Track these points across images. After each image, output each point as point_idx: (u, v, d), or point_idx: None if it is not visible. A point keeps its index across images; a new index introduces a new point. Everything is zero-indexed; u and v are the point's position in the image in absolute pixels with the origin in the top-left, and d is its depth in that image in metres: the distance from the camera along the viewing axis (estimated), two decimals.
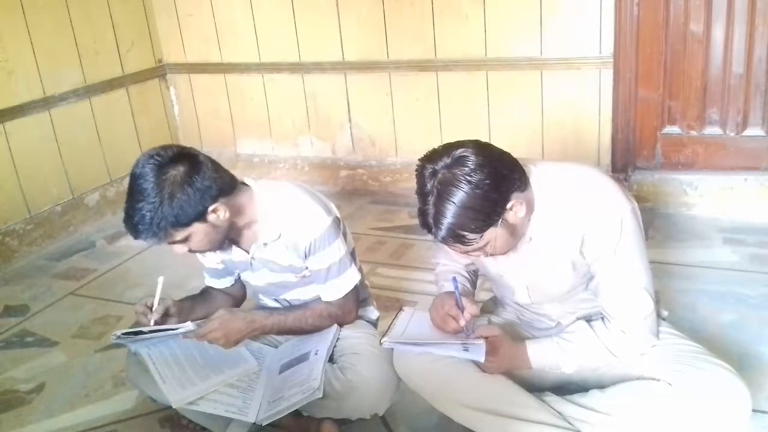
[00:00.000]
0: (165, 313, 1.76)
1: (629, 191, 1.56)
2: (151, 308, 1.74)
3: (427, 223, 1.42)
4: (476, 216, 1.38)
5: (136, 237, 1.60)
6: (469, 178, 1.36)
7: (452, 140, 1.46)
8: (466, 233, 1.39)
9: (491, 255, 1.49)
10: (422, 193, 1.42)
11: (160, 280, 1.75)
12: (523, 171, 1.46)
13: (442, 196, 1.37)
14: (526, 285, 1.64)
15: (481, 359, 1.52)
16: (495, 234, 1.42)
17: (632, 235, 1.48)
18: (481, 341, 1.55)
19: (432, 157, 1.42)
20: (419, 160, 1.45)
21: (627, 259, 1.49)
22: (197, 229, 1.62)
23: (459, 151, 1.39)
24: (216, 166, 1.64)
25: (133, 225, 1.57)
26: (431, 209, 1.39)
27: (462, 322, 1.59)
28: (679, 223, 2.99)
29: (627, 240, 1.47)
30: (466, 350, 1.55)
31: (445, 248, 1.79)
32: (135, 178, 1.57)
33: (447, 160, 1.39)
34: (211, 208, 1.60)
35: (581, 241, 1.49)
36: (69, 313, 2.72)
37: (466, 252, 1.47)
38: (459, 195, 1.36)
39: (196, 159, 1.61)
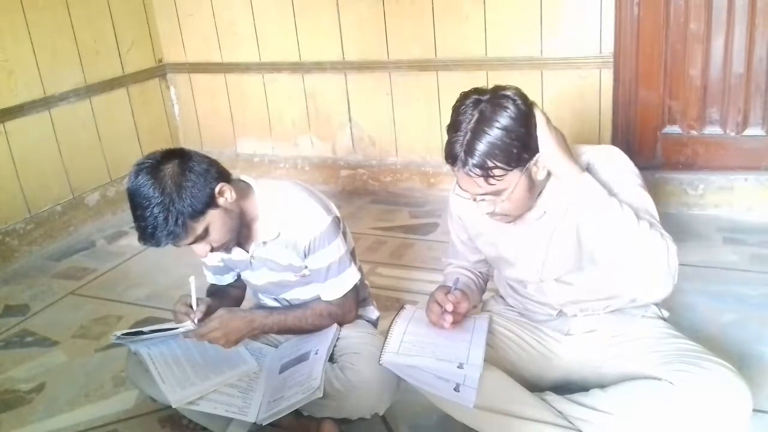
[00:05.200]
0: (207, 311, 1.75)
1: None
2: (191, 307, 1.74)
3: (454, 151, 1.42)
4: (510, 145, 1.39)
5: (157, 245, 1.57)
6: (515, 104, 1.40)
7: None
8: (495, 164, 1.39)
9: (498, 214, 1.49)
10: (457, 120, 1.43)
11: (192, 279, 1.74)
12: None
13: (482, 119, 1.39)
14: (542, 260, 1.64)
15: (470, 404, 1.46)
16: (517, 180, 1.44)
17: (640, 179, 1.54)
18: (481, 351, 1.55)
19: (477, 90, 1.45)
20: (462, 93, 1.46)
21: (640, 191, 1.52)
22: (214, 217, 1.61)
23: (505, 87, 1.44)
24: (207, 157, 1.66)
25: (151, 234, 1.55)
26: (464, 135, 1.40)
27: (449, 307, 1.60)
28: (679, 223, 2.99)
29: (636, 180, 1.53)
30: (457, 390, 1.48)
31: (456, 242, 1.79)
32: (133, 190, 1.56)
33: (492, 95, 1.42)
34: (217, 190, 1.60)
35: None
36: (69, 312, 2.71)
37: (481, 195, 1.46)
38: (501, 118, 1.39)
39: (184, 151, 1.63)
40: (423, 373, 1.53)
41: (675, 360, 1.53)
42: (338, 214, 1.79)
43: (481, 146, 1.38)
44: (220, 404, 1.62)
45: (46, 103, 3.33)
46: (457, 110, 1.44)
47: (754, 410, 1.49)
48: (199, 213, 1.57)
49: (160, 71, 3.98)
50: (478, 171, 1.40)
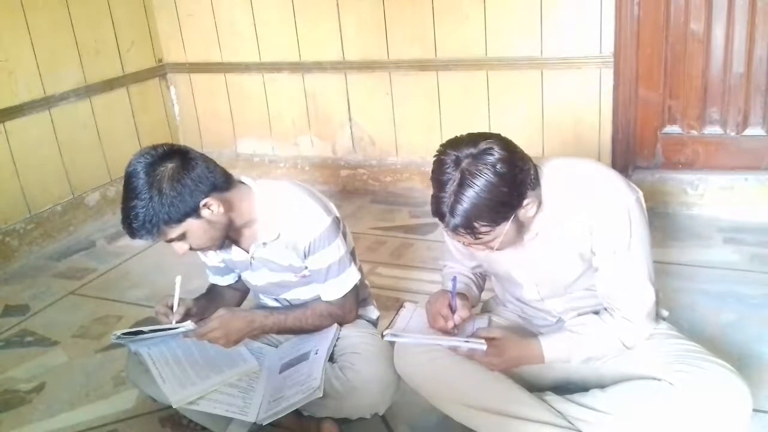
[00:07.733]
0: (186, 313, 1.75)
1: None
2: (171, 308, 1.74)
3: (441, 210, 1.41)
4: (494, 207, 1.38)
5: (132, 236, 1.60)
6: (495, 168, 1.37)
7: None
8: (479, 224, 1.39)
9: (494, 249, 1.50)
10: (440, 179, 1.41)
11: (178, 279, 1.74)
12: (536, 170, 1.48)
13: (464, 184, 1.37)
14: (535, 281, 1.65)
15: (482, 348, 1.53)
16: (505, 229, 1.43)
17: (639, 227, 1.50)
18: (482, 340, 1.56)
19: (456, 144, 1.42)
20: (441, 145, 1.44)
21: (635, 252, 1.51)
22: (192, 226, 1.61)
23: (485, 143, 1.40)
24: (209, 162, 1.64)
25: (128, 224, 1.58)
26: (448, 196, 1.38)
27: (450, 324, 1.61)
28: (679, 222, 2.99)
29: (635, 233, 1.49)
30: (467, 342, 1.56)
31: (451, 248, 1.80)
32: (127, 177, 1.58)
33: (472, 150, 1.39)
34: (202, 203, 1.60)
35: (590, 235, 1.51)
36: (69, 312, 2.72)
37: (471, 245, 1.47)
38: (482, 184, 1.36)
39: (187, 155, 1.61)
40: (429, 338, 1.59)
41: (675, 360, 1.53)
42: (338, 215, 1.79)
43: (466, 210, 1.37)
44: (221, 404, 1.62)
45: (46, 103, 3.33)
46: (439, 166, 1.42)
47: (754, 410, 1.49)
48: (174, 221, 1.58)
49: (160, 71, 3.98)
50: (463, 231, 1.41)
